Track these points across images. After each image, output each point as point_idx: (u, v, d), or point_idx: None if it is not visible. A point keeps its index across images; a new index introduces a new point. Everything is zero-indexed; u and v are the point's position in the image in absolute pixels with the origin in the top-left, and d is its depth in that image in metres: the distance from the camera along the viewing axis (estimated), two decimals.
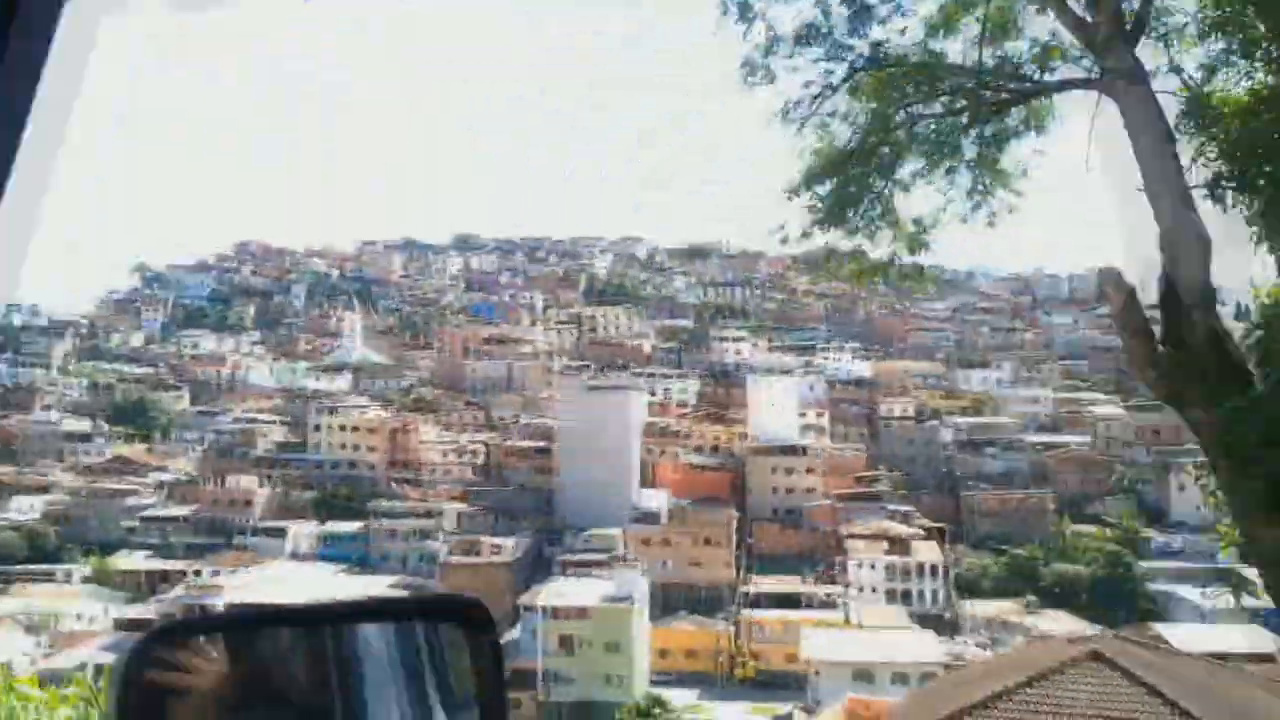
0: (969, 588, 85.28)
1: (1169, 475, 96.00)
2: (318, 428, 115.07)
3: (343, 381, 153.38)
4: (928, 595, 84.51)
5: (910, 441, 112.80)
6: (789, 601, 77.47)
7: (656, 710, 54.42)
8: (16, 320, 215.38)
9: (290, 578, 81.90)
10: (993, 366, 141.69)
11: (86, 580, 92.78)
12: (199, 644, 1.52)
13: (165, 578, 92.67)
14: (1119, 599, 79.52)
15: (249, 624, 1.73)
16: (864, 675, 63.07)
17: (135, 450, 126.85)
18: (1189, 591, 79.18)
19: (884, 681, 62.52)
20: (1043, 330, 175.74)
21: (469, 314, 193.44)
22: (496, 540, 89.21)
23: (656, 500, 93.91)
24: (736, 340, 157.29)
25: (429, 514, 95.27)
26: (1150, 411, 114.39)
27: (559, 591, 68.84)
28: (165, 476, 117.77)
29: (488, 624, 1.78)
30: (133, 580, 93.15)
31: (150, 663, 1.48)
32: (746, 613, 76.83)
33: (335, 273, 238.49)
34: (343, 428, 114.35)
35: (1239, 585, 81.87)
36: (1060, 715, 13.11)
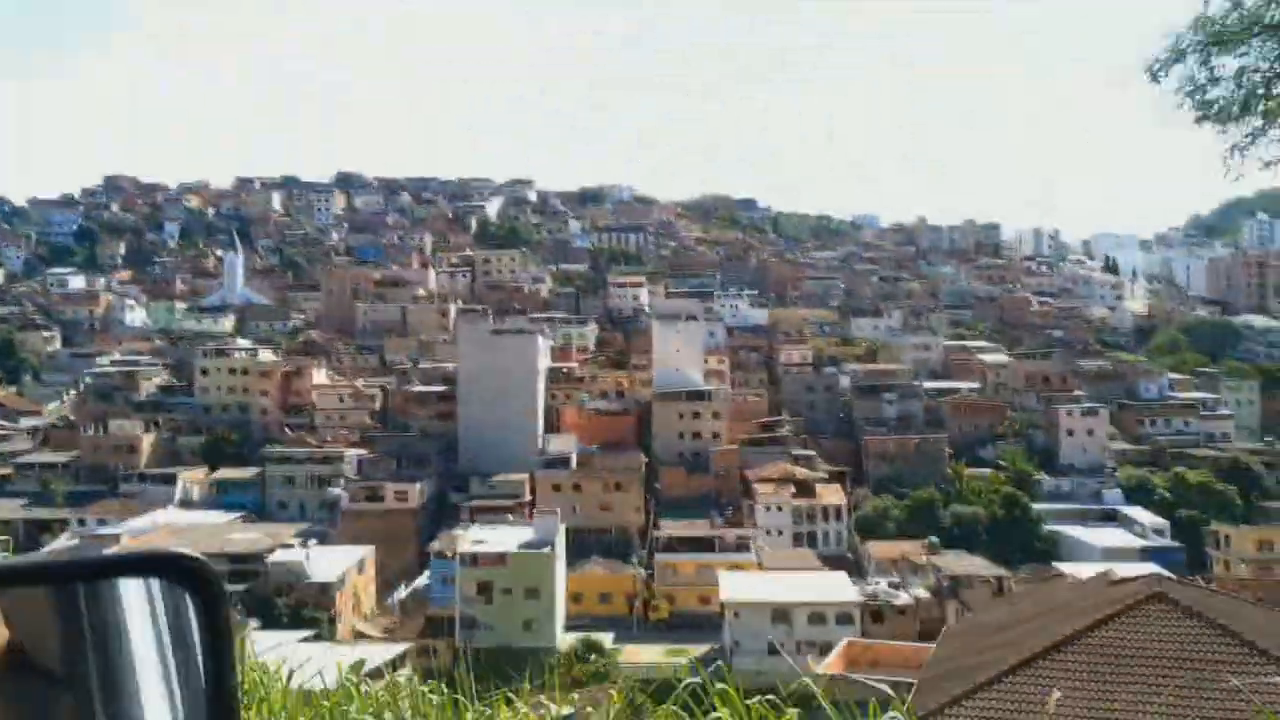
0: (871, 529, 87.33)
1: (1057, 420, 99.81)
2: (205, 371, 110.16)
3: (226, 323, 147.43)
4: (832, 537, 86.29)
5: (809, 388, 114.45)
6: (701, 545, 77.91)
7: (593, 656, 54.13)
8: None
9: (186, 526, 78.61)
10: (884, 315, 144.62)
11: None
12: None
13: (46, 527, 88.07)
14: (1016, 539, 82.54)
15: None
16: (782, 616, 64.00)
17: (5, 395, 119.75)
18: (1081, 532, 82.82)
19: (801, 621, 63.67)
20: (928, 280, 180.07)
21: (355, 256, 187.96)
22: (400, 486, 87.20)
23: (564, 445, 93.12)
24: (634, 286, 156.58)
25: (327, 460, 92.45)
26: (1039, 360, 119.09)
27: (475, 538, 67.68)
28: (39, 421, 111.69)
29: (210, 580, 1.72)
30: (10, 530, 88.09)
31: None
32: (660, 556, 77.04)
33: (211, 211, 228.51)
34: (232, 371, 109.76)
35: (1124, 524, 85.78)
36: (1142, 657, 12.98)
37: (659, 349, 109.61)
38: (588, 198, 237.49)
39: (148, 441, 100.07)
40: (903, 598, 66.26)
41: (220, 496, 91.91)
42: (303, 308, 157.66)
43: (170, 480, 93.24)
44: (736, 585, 66.92)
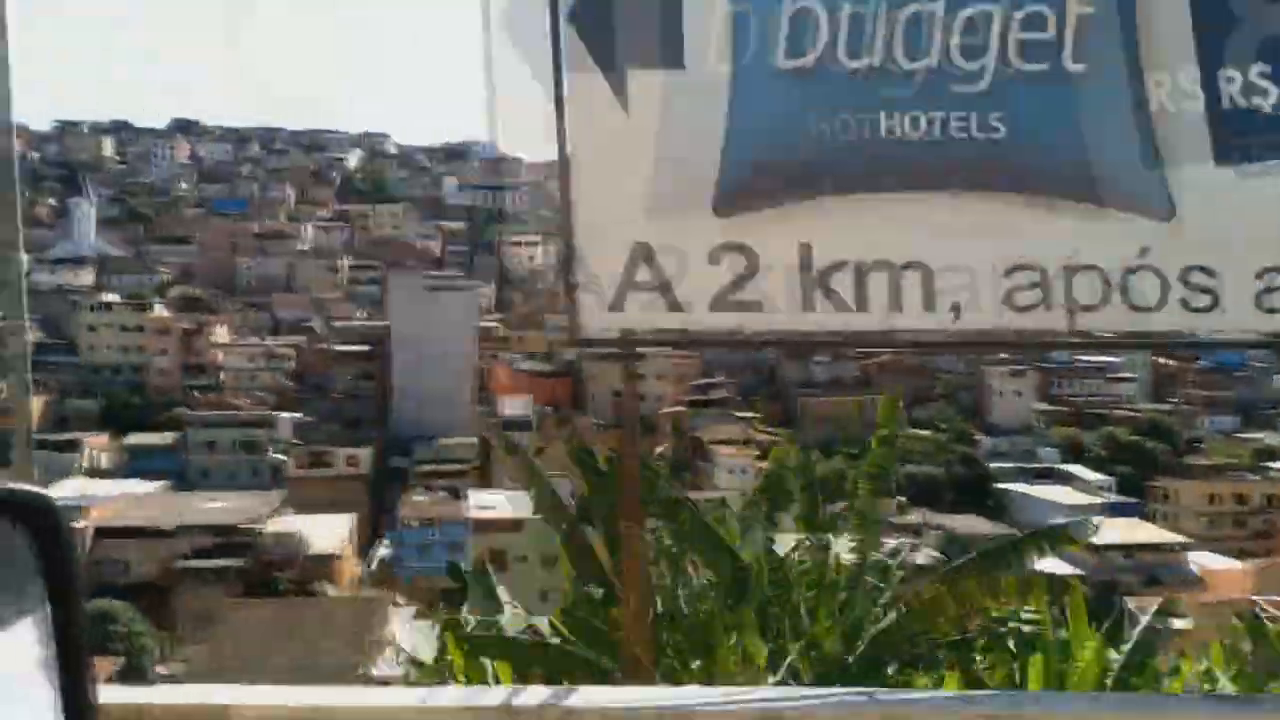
0: (831, 490, 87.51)
1: (985, 382, 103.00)
2: (92, 328, 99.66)
3: (86, 276, 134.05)
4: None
5: (733, 350, 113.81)
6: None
7: None
8: None
9: (120, 496, 70.64)
10: None
11: None
12: None
13: None
14: (973, 496, 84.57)
15: None
16: None
17: None
18: (1035, 490, 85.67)
19: None
20: None
21: (211, 208, 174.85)
22: (351, 451, 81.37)
23: (521, 407, 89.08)
24: (529, 245, 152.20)
25: (258, 424, 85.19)
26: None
27: (482, 503, 63.51)
28: None
29: (52, 515, 1.54)
30: None
31: None
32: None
33: (35, 155, 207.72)
34: (124, 328, 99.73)
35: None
36: None
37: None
38: (452, 153, 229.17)
39: (35, 404, 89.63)
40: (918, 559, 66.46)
41: (133, 464, 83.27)
42: (165, 261, 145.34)
43: (71, 447, 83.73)
44: None
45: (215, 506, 62.23)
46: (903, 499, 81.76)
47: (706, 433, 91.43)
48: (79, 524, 56.41)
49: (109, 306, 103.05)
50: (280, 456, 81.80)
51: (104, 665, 35.50)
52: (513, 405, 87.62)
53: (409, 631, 38.31)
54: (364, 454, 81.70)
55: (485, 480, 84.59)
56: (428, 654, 9.80)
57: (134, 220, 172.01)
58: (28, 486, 1.62)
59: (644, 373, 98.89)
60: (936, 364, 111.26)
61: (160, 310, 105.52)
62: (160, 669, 40.67)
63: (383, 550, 73.96)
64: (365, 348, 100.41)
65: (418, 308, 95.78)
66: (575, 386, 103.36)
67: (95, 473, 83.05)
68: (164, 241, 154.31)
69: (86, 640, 1.52)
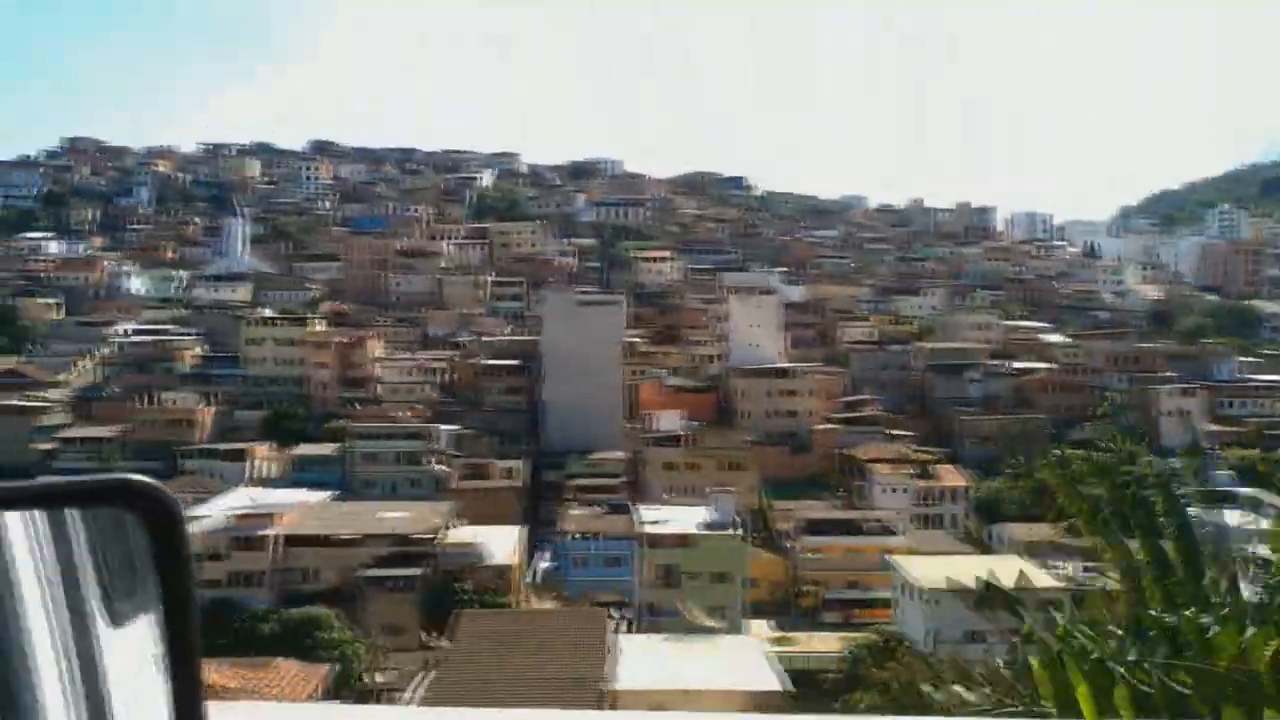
0: (989, 511, 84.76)
1: (1150, 400, 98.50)
2: (253, 341, 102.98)
3: (242, 292, 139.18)
4: (955, 518, 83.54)
5: (884, 366, 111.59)
6: (846, 528, 74.38)
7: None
8: None
9: (286, 504, 72.32)
10: (924, 294, 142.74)
11: None
12: None
13: None
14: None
15: None
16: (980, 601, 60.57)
17: (19, 364, 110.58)
18: (1214, 515, 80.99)
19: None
20: (942, 261, 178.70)
21: (352, 226, 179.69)
22: (506, 463, 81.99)
23: (670, 422, 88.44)
24: (660, 260, 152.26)
25: (417, 435, 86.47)
26: (1115, 340, 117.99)
27: (651, 518, 62.97)
28: (68, 393, 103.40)
29: (168, 507, 1.60)
30: None
31: None
32: (805, 540, 73.25)
33: (185, 177, 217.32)
34: (284, 342, 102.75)
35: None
36: None
37: (736, 325, 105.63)
38: (579, 171, 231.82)
39: (205, 415, 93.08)
40: (1106, 583, 63.38)
41: (299, 474, 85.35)
42: (313, 278, 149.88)
43: (236, 456, 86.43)
44: (921, 572, 63.43)
45: (393, 516, 63.09)
46: (1070, 521, 78.48)
47: (861, 451, 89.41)
48: (268, 531, 57.85)
49: (272, 321, 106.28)
50: (441, 468, 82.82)
51: (317, 673, 35.93)
52: (664, 420, 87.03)
53: (632, 646, 38.08)
54: (518, 466, 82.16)
55: (637, 495, 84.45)
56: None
57: (280, 238, 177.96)
58: (143, 478, 1.64)
59: (793, 389, 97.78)
60: (1096, 381, 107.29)
61: (318, 325, 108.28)
62: (378, 677, 41.13)
63: (543, 562, 74.15)
64: (514, 362, 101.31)
65: (568, 323, 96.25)
66: (720, 401, 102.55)
67: (262, 481, 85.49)
68: (311, 259, 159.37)
69: (197, 637, 1.54)
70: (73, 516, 1.59)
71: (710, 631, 45.09)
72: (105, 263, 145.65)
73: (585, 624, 34.45)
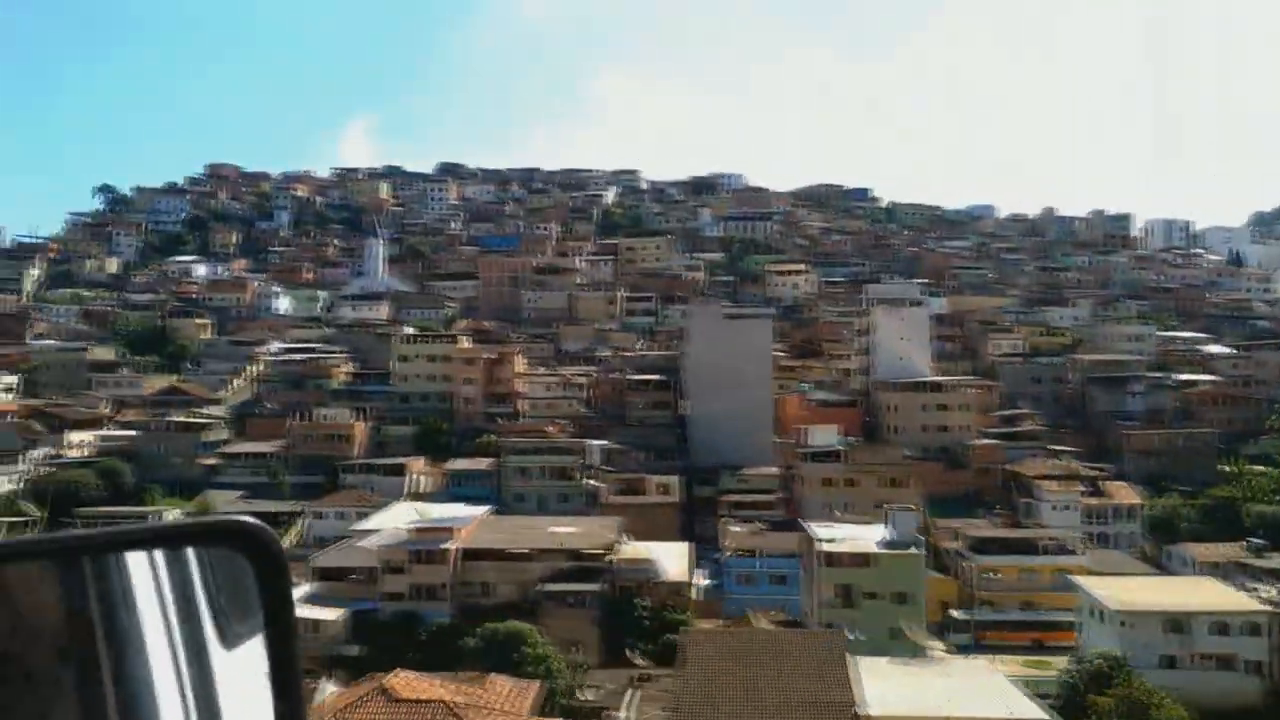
0: (1163, 529, 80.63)
1: None
2: (404, 358, 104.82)
3: (381, 311, 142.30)
4: (1128, 537, 79.65)
5: (1036, 379, 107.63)
6: (1018, 547, 71.47)
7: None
8: None
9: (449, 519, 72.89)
10: (1071, 304, 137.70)
11: None
12: None
13: (274, 520, 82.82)
14: None
15: None
16: (1176, 626, 57.36)
17: (178, 382, 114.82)
18: None
19: (1201, 632, 57.04)
20: (1084, 271, 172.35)
21: (481, 245, 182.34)
22: (661, 478, 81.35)
23: (825, 436, 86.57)
24: (795, 274, 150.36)
25: (569, 450, 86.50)
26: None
27: (827, 536, 61.38)
28: (224, 410, 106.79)
29: (271, 547, 1.73)
30: None
31: None
32: (976, 559, 70.62)
33: (320, 200, 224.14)
34: (432, 358, 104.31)
35: None
36: None
37: (882, 337, 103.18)
38: (700, 186, 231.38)
39: (360, 430, 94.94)
40: None
41: (454, 489, 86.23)
42: (448, 295, 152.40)
43: (394, 471, 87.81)
44: (1103, 591, 60.42)
45: (564, 531, 62.87)
46: (1257, 541, 74.47)
47: (1024, 466, 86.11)
48: (449, 545, 58.15)
49: (421, 339, 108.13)
50: (593, 483, 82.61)
51: (530, 689, 35.46)
52: (818, 435, 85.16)
53: (870, 669, 36.60)
54: (673, 482, 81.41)
55: (793, 511, 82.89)
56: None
57: (414, 258, 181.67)
58: (251, 520, 1.77)
59: (945, 403, 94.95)
60: (1265, 394, 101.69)
61: (464, 342, 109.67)
62: (587, 694, 40.58)
63: (702, 579, 73.07)
64: (658, 376, 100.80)
65: (715, 337, 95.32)
66: (865, 415, 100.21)
67: (418, 495, 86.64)
68: (444, 278, 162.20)
69: (299, 663, 1.65)
70: (188, 555, 1.72)
71: (923, 652, 43.25)
72: (254, 284, 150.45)
73: (823, 645, 33.12)
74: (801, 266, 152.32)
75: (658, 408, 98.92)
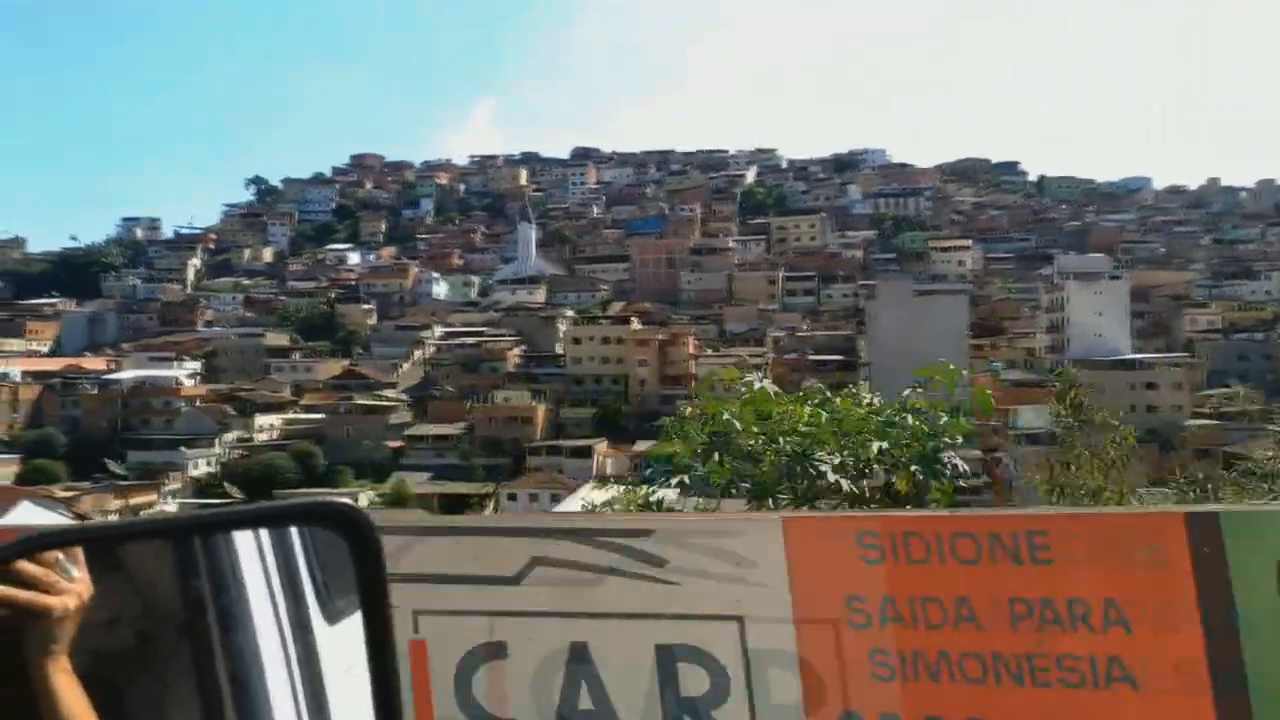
0: None
1: None
2: (577, 340, 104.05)
3: (538, 295, 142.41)
4: None
5: (1240, 355, 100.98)
6: None
7: None
8: (139, 234, 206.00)
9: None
10: (1260, 277, 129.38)
11: (373, 507, 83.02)
12: (56, 559, 1.42)
13: (464, 501, 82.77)
14: None
15: (111, 537, 1.66)
16: None
17: (345, 365, 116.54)
18: None
19: None
20: (1267, 242, 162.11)
21: (626, 228, 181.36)
22: None
23: (1035, 417, 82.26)
24: (960, 250, 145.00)
25: None
26: None
27: None
28: (398, 393, 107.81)
29: (366, 529, 1.75)
30: (425, 506, 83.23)
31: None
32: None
33: (460, 187, 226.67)
34: (605, 340, 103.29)
35: None
36: None
37: (1076, 313, 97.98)
38: (842, 164, 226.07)
39: (541, 413, 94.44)
40: None
41: (642, 471, 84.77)
42: (599, 278, 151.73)
43: (582, 453, 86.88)
44: None
45: None
46: None
47: (1246, 449, 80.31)
48: None
49: (594, 320, 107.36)
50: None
51: None
52: (1028, 416, 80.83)
53: None
54: None
55: (1000, 497, 79.09)
56: None
57: (559, 242, 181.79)
58: (348, 503, 1.79)
59: (1151, 381, 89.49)
60: None
61: (635, 323, 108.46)
62: None
63: None
64: (838, 357, 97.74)
65: (902, 315, 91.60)
66: (1055, 396, 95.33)
67: (605, 479, 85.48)
68: (593, 261, 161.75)
69: (394, 646, 1.68)
70: (291, 535, 1.81)
71: None
72: (415, 270, 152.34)
73: None
74: (966, 243, 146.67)
75: (840, 389, 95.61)
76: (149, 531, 1.71)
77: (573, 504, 72.44)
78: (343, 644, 1.75)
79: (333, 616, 1.80)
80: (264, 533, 1.77)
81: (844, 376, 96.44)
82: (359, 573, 1.71)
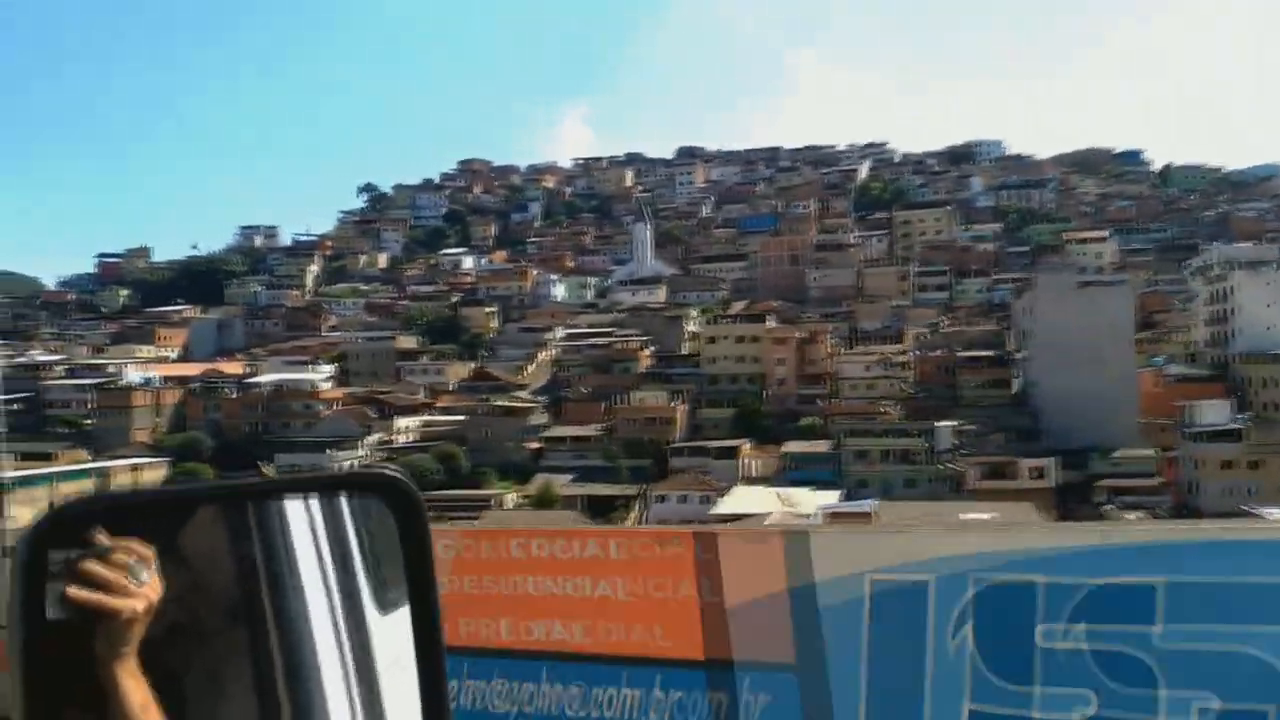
0: None
1: None
2: (713, 340, 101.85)
3: (660, 294, 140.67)
4: None
5: None
6: None
7: None
8: (258, 242, 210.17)
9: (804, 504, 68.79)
10: None
11: (521, 509, 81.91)
12: (127, 563, 1.43)
13: (609, 503, 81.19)
14: None
15: (165, 502, 1.68)
16: None
17: (474, 367, 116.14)
18: None
19: None
20: None
21: (739, 226, 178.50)
22: (1033, 461, 74.68)
23: (1217, 413, 77.51)
24: (1093, 242, 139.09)
25: (918, 432, 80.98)
26: None
27: None
28: (529, 394, 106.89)
29: (413, 499, 1.76)
30: (570, 508, 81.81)
31: (61, 542, 1.39)
32: None
33: (567, 189, 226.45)
34: (740, 339, 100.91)
35: None
36: None
37: (1244, 304, 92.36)
38: (957, 156, 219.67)
39: (680, 413, 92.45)
40: None
41: (790, 472, 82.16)
42: (718, 277, 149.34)
43: (726, 454, 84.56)
44: None
45: (975, 518, 57.50)
46: None
47: None
48: None
49: (729, 319, 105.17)
50: (953, 466, 76.81)
51: None
52: (1207, 413, 76.17)
53: None
54: (1048, 465, 74.57)
55: (1177, 496, 74.73)
56: None
57: (671, 242, 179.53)
58: (396, 471, 1.80)
59: None
60: None
61: (770, 321, 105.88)
62: None
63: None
64: (990, 353, 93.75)
65: (1065, 309, 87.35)
66: (1227, 391, 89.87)
67: (750, 479, 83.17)
68: (710, 260, 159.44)
69: (441, 626, 1.69)
70: (341, 503, 1.77)
71: None
72: (532, 272, 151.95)
73: None
74: (1104, 234, 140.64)
75: (993, 386, 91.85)
76: (201, 495, 1.69)
77: (734, 505, 70.11)
78: (394, 618, 1.74)
79: (385, 606, 1.76)
80: (317, 517, 1.72)
81: (996, 373, 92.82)
82: (404, 544, 1.72)
